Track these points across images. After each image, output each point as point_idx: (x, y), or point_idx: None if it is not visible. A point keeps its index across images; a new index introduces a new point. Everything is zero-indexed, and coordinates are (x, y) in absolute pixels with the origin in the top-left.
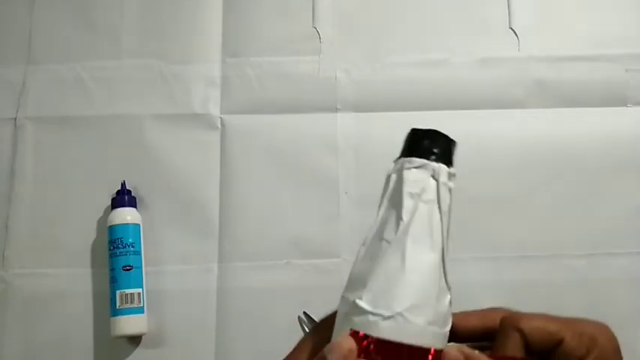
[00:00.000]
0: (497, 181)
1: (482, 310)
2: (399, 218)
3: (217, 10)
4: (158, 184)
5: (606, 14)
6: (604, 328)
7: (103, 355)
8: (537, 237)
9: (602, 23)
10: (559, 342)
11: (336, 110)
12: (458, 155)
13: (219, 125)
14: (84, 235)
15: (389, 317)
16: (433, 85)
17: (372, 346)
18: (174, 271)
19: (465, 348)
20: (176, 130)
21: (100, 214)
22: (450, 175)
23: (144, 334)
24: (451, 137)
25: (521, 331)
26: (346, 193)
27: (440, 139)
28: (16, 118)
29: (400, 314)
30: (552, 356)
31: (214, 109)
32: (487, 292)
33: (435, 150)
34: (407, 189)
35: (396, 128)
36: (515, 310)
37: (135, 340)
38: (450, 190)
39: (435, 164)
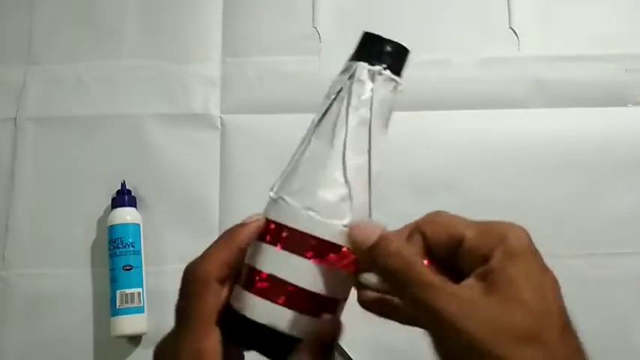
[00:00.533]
0: (497, 180)
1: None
2: (315, 118)
3: (217, 10)
4: (158, 184)
5: (606, 14)
6: (514, 226)
7: (103, 354)
8: (537, 236)
9: (602, 23)
10: (460, 241)
11: None
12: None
13: (219, 125)
14: (84, 234)
15: (273, 200)
16: (433, 84)
17: (272, 226)
18: (175, 271)
19: (383, 229)
20: (176, 129)
21: (100, 214)
22: (375, 74)
23: (144, 333)
24: (401, 44)
25: (423, 234)
26: None
27: (382, 43)
28: (16, 118)
29: (281, 198)
30: (456, 258)
31: (214, 109)
32: None
33: (371, 53)
34: (329, 90)
35: (396, 128)
36: (445, 212)
37: (135, 339)
38: (385, 94)
39: (357, 63)
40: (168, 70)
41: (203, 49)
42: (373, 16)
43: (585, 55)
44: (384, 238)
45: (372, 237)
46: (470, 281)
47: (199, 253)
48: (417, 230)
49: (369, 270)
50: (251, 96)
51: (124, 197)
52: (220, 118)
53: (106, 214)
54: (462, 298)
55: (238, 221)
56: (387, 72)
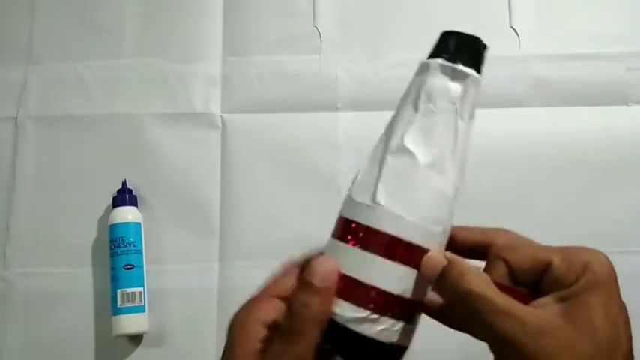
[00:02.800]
0: (497, 179)
1: (484, 228)
2: (404, 121)
3: (218, 9)
4: (159, 183)
5: (606, 12)
6: (599, 255)
7: (104, 353)
8: (537, 236)
9: (602, 22)
10: (546, 267)
11: (336, 109)
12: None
13: (220, 124)
14: (85, 234)
15: (370, 207)
16: None
17: (360, 232)
18: (175, 270)
19: (451, 254)
20: (177, 129)
21: (101, 213)
22: (474, 80)
23: (145, 332)
24: (482, 40)
25: (506, 261)
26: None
27: (469, 41)
28: (17, 118)
29: (380, 205)
30: (541, 284)
31: (215, 108)
32: None
33: (459, 53)
34: (422, 92)
35: None
36: (514, 233)
37: (136, 338)
38: (472, 98)
39: (455, 66)
40: (169, 69)
41: (204, 48)
42: (374, 15)
43: (586, 54)
44: (450, 267)
45: (439, 266)
46: (546, 300)
47: (200, 251)
48: (498, 257)
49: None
50: (252, 95)
51: (124, 196)
52: (221, 117)
53: (107, 213)
54: (533, 324)
55: (239, 220)
56: (471, 70)
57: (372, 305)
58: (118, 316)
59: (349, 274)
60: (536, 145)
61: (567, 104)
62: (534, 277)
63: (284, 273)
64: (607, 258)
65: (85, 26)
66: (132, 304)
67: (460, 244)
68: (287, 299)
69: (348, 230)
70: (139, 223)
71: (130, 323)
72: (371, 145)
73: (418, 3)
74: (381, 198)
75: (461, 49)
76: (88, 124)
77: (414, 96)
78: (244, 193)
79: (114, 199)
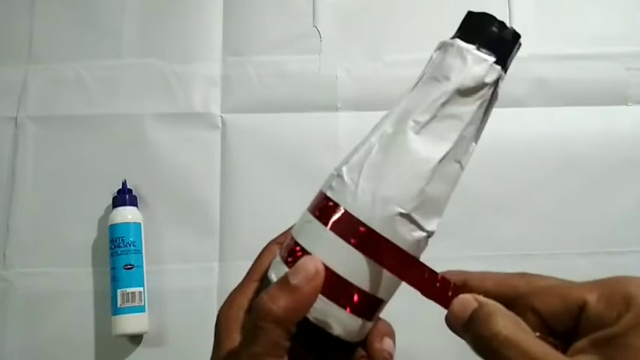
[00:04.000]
0: (497, 179)
1: (501, 275)
2: (423, 103)
3: (218, 9)
4: (159, 183)
5: (607, 13)
6: (631, 278)
7: (104, 353)
8: (538, 236)
9: (602, 22)
10: (581, 308)
11: (336, 109)
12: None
13: (220, 124)
14: (85, 234)
15: (355, 191)
16: None
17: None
18: (175, 270)
19: (480, 297)
20: (177, 129)
21: (101, 213)
22: (502, 79)
23: (145, 332)
24: (519, 35)
25: (535, 311)
26: None
27: (507, 33)
28: (16, 117)
29: (340, 172)
30: (578, 330)
31: (215, 108)
32: None
33: (500, 47)
34: (449, 77)
35: None
36: (536, 276)
37: (136, 338)
38: (495, 96)
39: (494, 66)
40: (169, 69)
41: (204, 48)
42: (373, 15)
43: (586, 54)
44: (480, 309)
45: (469, 309)
46: (583, 345)
47: (200, 251)
48: (524, 307)
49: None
50: (252, 95)
51: (124, 196)
52: (221, 117)
53: (107, 213)
54: None
55: (239, 220)
56: (498, 67)
57: (348, 305)
58: (117, 316)
59: (329, 265)
60: (536, 145)
61: (567, 104)
62: (570, 323)
63: (265, 255)
64: None
65: (85, 26)
66: (132, 304)
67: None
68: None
69: (330, 211)
70: (139, 223)
71: (129, 323)
72: None
73: (418, 3)
74: (354, 176)
75: (498, 40)
76: (88, 124)
77: (435, 75)
78: (244, 193)
79: (114, 199)
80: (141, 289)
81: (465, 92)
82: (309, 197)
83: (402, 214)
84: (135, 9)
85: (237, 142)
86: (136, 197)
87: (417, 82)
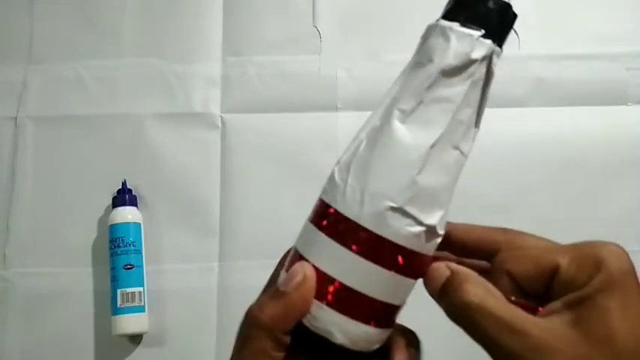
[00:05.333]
0: (497, 179)
1: (484, 230)
2: (409, 90)
3: (218, 9)
4: (159, 183)
5: (606, 13)
6: (614, 248)
7: (104, 353)
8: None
9: (602, 22)
10: (553, 272)
11: (336, 109)
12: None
13: (220, 124)
14: (85, 234)
15: (345, 190)
16: None
17: (331, 212)
18: (175, 270)
19: (453, 265)
20: (177, 129)
21: (101, 213)
22: (495, 54)
23: (145, 332)
24: (511, 6)
25: (510, 275)
26: None
27: (495, 3)
28: (16, 117)
29: (333, 172)
30: (551, 292)
31: (215, 108)
32: None
33: (486, 20)
34: (433, 59)
35: None
36: (515, 232)
37: (136, 338)
38: (490, 73)
39: (481, 40)
40: (169, 69)
41: (204, 48)
42: (373, 15)
43: (586, 54)
44: (452, 278)
45: (442, 278)
46: (555, 307)
47: (200, 251)
48: (500, 270)
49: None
50: (251, 95)
51: (124, 196)
52: (221, 117)
53: (107, 213)
54: (540, 338)
55: (239, 219)
56: (488, 41)
57: (348, 311)
58: (117, 316)
59: (323, 269)
60: (536, 145)
61: (567, 104)
62: (543, 286)
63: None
64: (624, 251)
65: (85, 26)
66: (132, 304)
67: (456, 245)
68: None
69: (323, 213)
70: (139, 223)
71: (129, 323)
72: None
73: (418, 3)
74: (344, 176)
75: (485, 13)
76: (88, 124)
77: (423, 61)
78: (244, 193)
79: (114, 199)
80: (141, 289)
81: (451, 72)
82: (308, 197)
83: (393, 209)
84: (135, 9)
85: (237, 142)
86: (135, 197)
87: (404, 70)
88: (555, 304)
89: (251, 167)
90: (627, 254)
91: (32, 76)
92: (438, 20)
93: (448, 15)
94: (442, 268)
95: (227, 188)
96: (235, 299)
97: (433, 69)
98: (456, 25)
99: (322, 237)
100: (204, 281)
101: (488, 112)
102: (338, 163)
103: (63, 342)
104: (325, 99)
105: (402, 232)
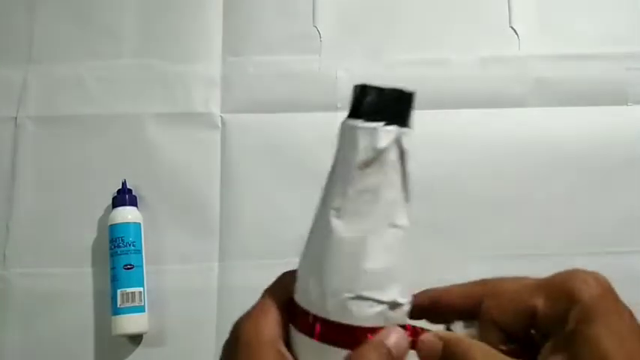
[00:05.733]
0: (497, 179)
1: (463, 288)
2: (336, 188)
3: (218, 9)
4: (159, 183)
5: (606, 13)
6: (584, 275)
7: (104, 353)
8: (537, 236)
9: (602, 22)
10: (532, 315)
11: (336, 109)
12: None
13: (220, 124)
14: (85, 234)
15: (308, 290)
16: (433, 83)
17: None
18: (175, 270)
19: (443, 333)
20: (177, 129)
21: (101, 213)
22: (402, 135)
23: (145, 332)
24: (405, 90)
25: (495, 323)
26: None
27: (389, 94)
28: (16, 117)
29: (298, 274)
30: (537, 330)
31: (215, 108)
32: None
33: (385, 110)
34: (348, 157)
35: None
36: (492, 283)
37: (136, 338)
38: (403, 152)
39: (385, 129)
40: (169, 69)
41: (204, 48)
42: (373, 15)
43: (586, 54)
44: (450, 349)
45: (437, 350)
46: (549, 350)
47: (200, 251)
48: (486, 321)
49: None
50: (252, 95)
51: (124, 196)
52: (221, 117)
53: (107, 213)
54: None
55: (239, 219)
56: (392, 127)
57: None
58: (117, 316)
59: None
60: (536, 145)
61: (567, 104)
62: (528, 329)
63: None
64: (595, 275)
65: (85, 26)
66: (132, 304)
67: (442, 309)
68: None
69: (294, 311)
70: (139, 223)
71: (129, 323)
72: None
73: (418, 3)
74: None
75: (381, 105)
76: (88, 124)
77: (342, 160)
78: (244, 193)
79: (114, 199)
80: (141, 289)
81: (365, 165)
82: (309, 197)
83: (352, 298)
84: (135, 9)
85: (237, 142)
86: (135, 197)
87: (330, 171)
88: (547, 348)
89: (251, 167)
90: (598, 277)
91: (32, 76)
92: (345, 119)
93: (353, 114)
94: (432, 340)
95: (227, 188)
96: (235, 299)
97: (350, 166)
98: (360, 122)
99: (305, 339)
100: (204, 281)
101: (488, 111)
102: (298, 264)
103: (63, 342)
104: (325, 99)
105: (366, 314)
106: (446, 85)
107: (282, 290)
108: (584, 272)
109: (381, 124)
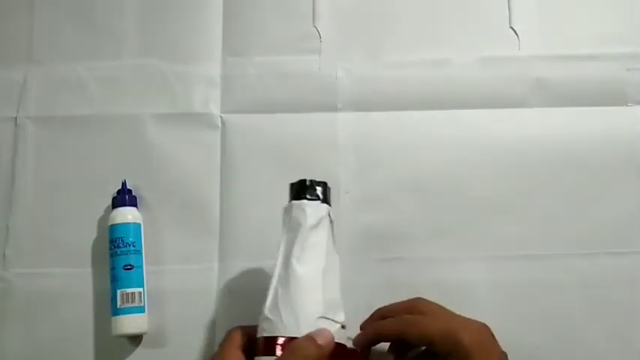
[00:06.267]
0: (497, 180)
1: (394, 321)
2: (294, 245)
3: (218, 9)
4: (159, 184)
5: (607, 13)
6: (470, 325)
7: (104, 354)
8: (537, 236)
9: (602, 22)
10: (430, 344)
11: (336, 109)
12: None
13: (220, 124)
14: (85, 234)
15: (282, 320)
16: (433, 84)
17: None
18: (175, 271)
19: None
20: (177, 129)
21: (101, 214)
22: (330, 210)
23: (144, 333)
24: (324, 182)
25: (406, 335)
26: (347, 192)
27: (316, 186)
28: (16, 118)
29: (265, 316)
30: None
31: (215, 109)
32: (486, 291)
33: (315, 193)
34: (291, 224)
35: (397, 127)
36: (413, 318)
37: (135, 339)
38: (331, 221)
39: (321, 205)
40: (169, 69)
41: (204, 48)
42: (374, 16)
43: (586, 55)
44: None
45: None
46: None
47: (200, 252)
48: (399, 333)
49: None
50: (252, 95)
51: (124, 197)
52: (221, 117)
53: (107, 213)
54: None
55: (239, 220)
56: (324, 204)
57: None
58: (117, 317)
59: None
60: (536, 145)
61: (567, 105)
62: (426, 346)
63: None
64: (479, 325)
65: (85, 26)
66: (131, 305)
67: (388, 339)
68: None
69: (272, 344)
70: (139, 224)
71: (129, 324)
72: (371, 146)
73: (418, 3)
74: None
75: (313, 192)
76: (88, 124)
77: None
78: (244, 193)
79: (113, 199)
80: (141, 289)
81: (314, 226)
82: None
83: (320, 318)
84: (135, 9)
85: (237, 143)
86: (135, 197)
87: (284, 234)
88: None
89: (251, 167)
90: (483, 328)
91: (32, 76)
92: (291, 202)
93: (297, 197)
94: (303, 341)
95: (227, 188)
96: (235, 300)
97: (304, 228)
98: (305, 201)
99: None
100: (204, 281)
101: (488, 112)
102: (264, 309)
103: (62, 342)
104: (325, 99)
105: (341, 336)
106: (446, 86)
107: (234, 339)
108: (474, 324)
109: (319, 201)
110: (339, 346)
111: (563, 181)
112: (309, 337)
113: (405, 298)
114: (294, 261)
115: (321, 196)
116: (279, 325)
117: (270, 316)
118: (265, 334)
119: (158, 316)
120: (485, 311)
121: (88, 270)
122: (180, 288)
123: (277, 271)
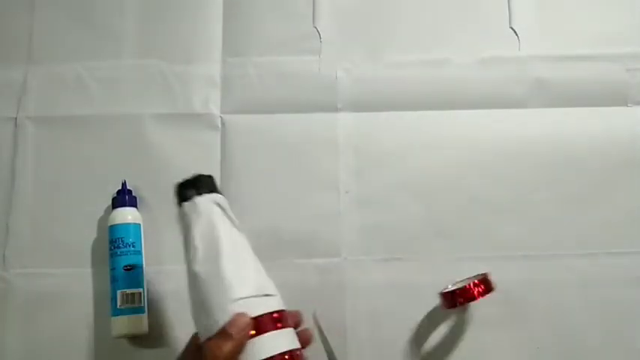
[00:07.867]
0: (497, 180)
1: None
2: (185, 250)
3: (218, 10)
4: (159, 184)
5: (607, 13)
6: (209, 345)
7: (104, 354)
8: (537, 237)
9: (602, 22)
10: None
11: (336, 110)
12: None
13: (220, 125)
14: (84, 234)
15: (201, 325)
16: (433, 84)
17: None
18: (175, 271)
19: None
20: (177, 129)
21: (101, 214)
22: (217, 198)
23: (144, 333)
24: (205, 175)
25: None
26: (347, 192)
27: (191, 182)
28: (16, 118)
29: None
30: None
31: (215, 109)
32: None
33: (194, 190)
34: (184, 223)
35: (397, 127)
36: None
37: (135, 340)
38: (222, 208)
39: (200, 198)
40: (169, 69)
41: (203, 48)
42: (374, 16)
43: (586, 55)
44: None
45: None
46: None
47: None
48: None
49: None
50: (252, 96)
51: (124, 197)
52: (221, 117)
53: (107, 213)
54: None
55: (238, 220)
56: (212, 195)
57: None
58: (117, 317)
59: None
60: (536, 146)
61: (567, 105)
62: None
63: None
64: (213, 346)
65: (85, 26)
66: (131, 305)
67: None
68: None
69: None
70: (139, 224)
71: (129, 324)
72: (371, 146)
73: (418, 3)
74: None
75: (191, 189)
76: (88, 124)
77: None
78: (244, 194)
79: (113, 199)
80: (140, 290)
81: (203, 222)
82: (308, 198)
83: (234, 301)
84: (135, 9)
85: (237, 143)
86: (135, 198)
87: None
88: None
89: (251, 168)
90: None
91: (32, 76)
92: (179, 208)
93: (179, 201)
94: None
95: (227, 189)
96: None
97: (192, 228)
98: (185, 204)
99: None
100: None
101: (488, 112)
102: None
103: (62, 343)
104: (325, 99)
105: (248, 309)
106: (446, 86)
107: (195, 341)
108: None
109: (196, 196)
110: (270, 315)
111: (563, 181)
112: (219, 333)
113: (404, 298)
114: (190, 264)
115: (200, 190)
116: (201, 328)
117: (195, 321)
118: (202, 339)
119: (158, 316)
120: (485, 311)
121: (88, 270)
122: (181, 288)
123: (188, 276)
